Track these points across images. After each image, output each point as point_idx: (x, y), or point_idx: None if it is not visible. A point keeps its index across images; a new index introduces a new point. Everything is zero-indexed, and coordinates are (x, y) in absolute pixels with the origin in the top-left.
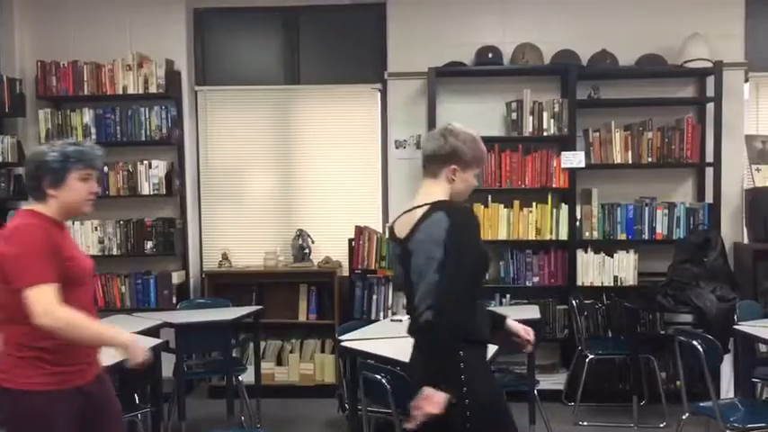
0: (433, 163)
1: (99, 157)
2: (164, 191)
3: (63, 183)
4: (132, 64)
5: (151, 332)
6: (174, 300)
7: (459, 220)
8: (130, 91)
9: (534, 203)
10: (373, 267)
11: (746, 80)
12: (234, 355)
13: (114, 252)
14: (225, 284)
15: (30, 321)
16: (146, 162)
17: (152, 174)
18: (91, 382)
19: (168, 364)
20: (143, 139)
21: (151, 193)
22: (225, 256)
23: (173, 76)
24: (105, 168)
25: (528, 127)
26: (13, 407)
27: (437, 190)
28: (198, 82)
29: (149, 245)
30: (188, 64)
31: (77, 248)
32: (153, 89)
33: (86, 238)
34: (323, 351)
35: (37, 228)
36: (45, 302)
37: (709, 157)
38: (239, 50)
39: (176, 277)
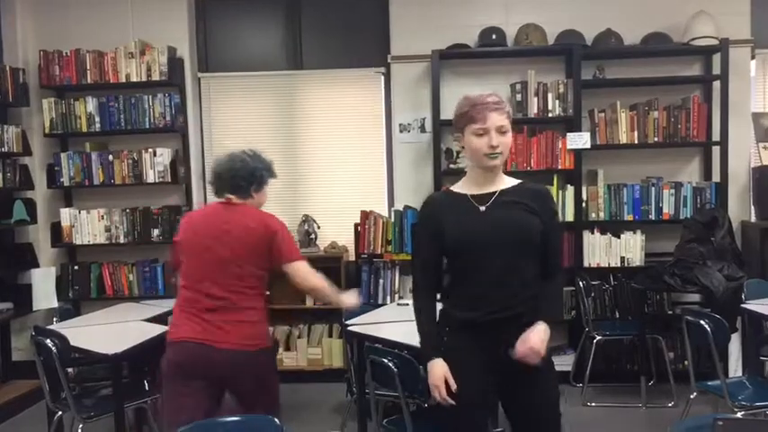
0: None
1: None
2: (169, 178)
3: (262, 189)
4: (135, 52)
5: (159, 319)
6: None
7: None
8: (133, 79)
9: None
10: (379, 252)
11: (753, 57)
12: None
13: (121, 240)
14: None
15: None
16: (150, 150)
17: (157, 161)
18: None
19: None
20: (147, 126)
21: (156, 180)
22: None
23: (175, 63)
24: (110, 157)
25: (533, 108)
26: (269, 364)
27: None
28: (201, 69)
29: (156, 232)
30: (190, 51)
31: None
32: (156, 77)
33: (93, 227)
34: (330, 336)
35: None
36: (309, 272)
37: (716, 136)
38: (242, 37)
39: None
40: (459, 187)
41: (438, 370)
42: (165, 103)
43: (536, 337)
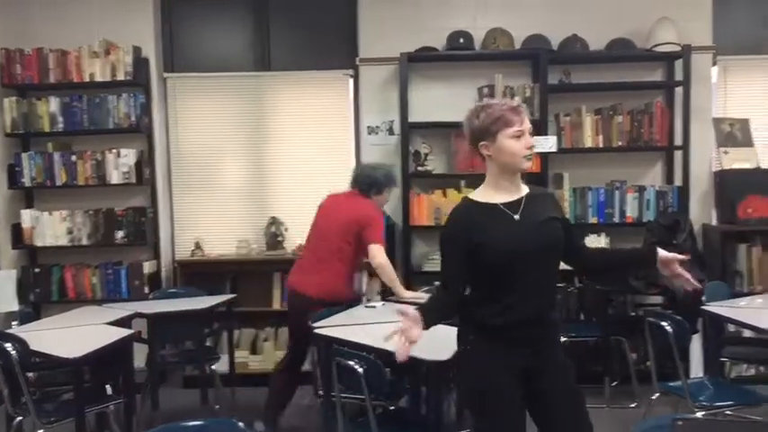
0: (473, 148)
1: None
2: (134, 179)
3: (381, 193)
4: (99, 51)
5: (123, 323)
6: (147, 290)
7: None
8: (97, 78)
9: None
10: None
11: (714, 63)
12: (207, 344)
13: (84, 242)
14: (198, 274)
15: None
16: (114, 150)
17: (121, 162)
18: None
19: (141, 355)
20: (111, 127)
21: (121, 182)
22: (197, 245)
23: (141, 63)
24: (73, 157)
25: None
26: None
27: (487, 175)
28: (167, 69)
29: (120, 234)
30: (156, 51)
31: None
32: (121, 76)
33: (55, 229)
34: None
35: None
36: (379, 254)
37: (678, 141)
38: (209, 37)
39: (148, 267)
40: (482, 196)
41: (414, 313)
42: (130, 103)
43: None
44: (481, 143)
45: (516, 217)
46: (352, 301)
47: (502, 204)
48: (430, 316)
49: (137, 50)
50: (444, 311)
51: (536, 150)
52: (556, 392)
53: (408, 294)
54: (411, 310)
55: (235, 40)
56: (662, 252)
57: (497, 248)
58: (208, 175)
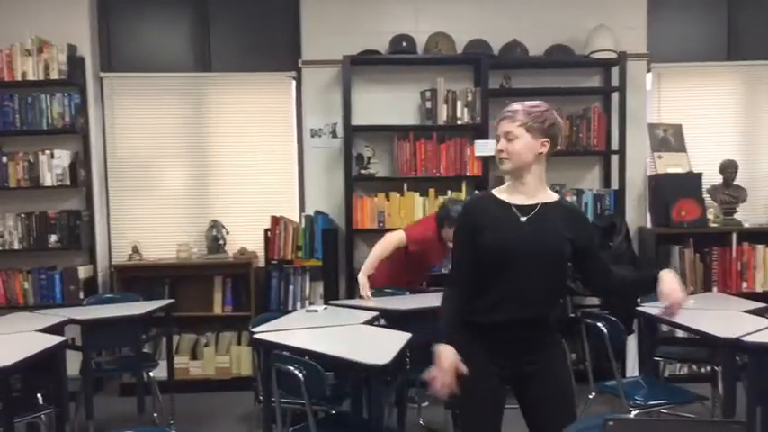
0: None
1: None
2: (68, 182)
3: (443, 228)
4: (32, 49)
5: (55, 329)
6: (82, 295)
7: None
8: (30, 77)
9: (449, 191)
10: (290, 257)
11: (649, 70)
12: (146, 350)
13: (15, 246)
14: (136, 278)
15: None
16: (48, 152)
17: (55, 164)
18: None
19: (75, 362)
20: (44, 127)
21: (54, 184)
22: (135, 249)
23: (76, 61)
24: (4, 159)
25: (442, 116)
26: None
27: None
28: (103, 68)
29: (53, 238)
30: (92, 49)
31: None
32: (54, 75)
33: None
34: (239, 343)
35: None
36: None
37: (615, 145)
38: (147, 36)
39: (83, 272)
40: (502, 193)
41: (450, 354)
42: (65, 102)
43: (674, 288)
44: None
45: (522, 219)
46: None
47: (515, 205)
48: (454, 330)
49: (71, 49)
50: (460, 314)
51: (477, 154)
52: (543, 400)
53: (362, 281)
54: (447, 355)
55: (174, 39)
56: (665, 285)
57: (491, 243)
58: (146, 177)
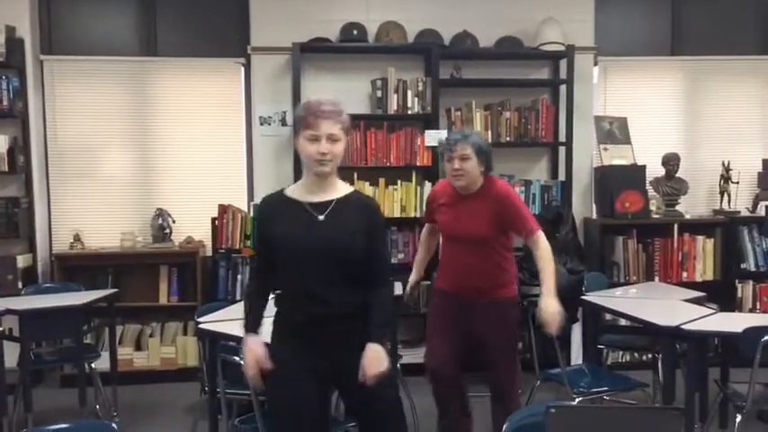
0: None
1: (460, 141)
2: (5, 168)
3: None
4: None
5: None
6: (20, 285)
7: None
8: None
9: (399, 181)
10: (238, 246)
11: (596, 64)
12: (88, 341)
13: None
14: (77, 267)
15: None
16: None
17: None
18: None
19: (14, 354)
20: None
21: None
22: (77, 238)
23: (14, 43)
24: None
25: (393, 105)
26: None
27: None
28: (44, 51)
29: None
30: (32, 31)
31: (460, 216)
32: None
33: None
34: (185, 334)
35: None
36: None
37: (562, 137)
38: (90, 17)
39: (22, 261)
40: (295, 192)
41: (255, 348)
42: (3, 86)
43: (372, 365)
44: (294, 138)
45: (321, 218)
46: None
47: (308, 203)
48: (254, 320)
49: (10, 30)
50: (264, 305)
51: (427, 144)
52: (351, 395)
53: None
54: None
55: (119, 21)
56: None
57: (281, 242)
58: (89, 163)
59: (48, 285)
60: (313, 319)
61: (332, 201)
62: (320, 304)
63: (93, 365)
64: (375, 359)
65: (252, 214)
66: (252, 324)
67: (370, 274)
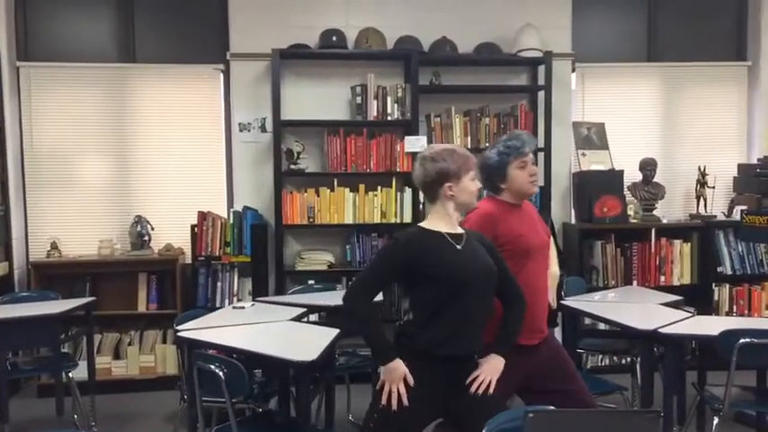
0: (428, 190)
1: (527, 143)
2: None
3: (506, 176)
4: None
5: None
6: None
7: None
8: None
9: (379, 187)
10: (218, 254)
11: (573, 70)
12: (66, 350)
13: None
14: (55, 275)
15: None
16: None
17: None
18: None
19: None
20: None
21: None
22: (54, 246)
23: None
24: None
25: (372, 111)
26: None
27: (435, 214)
28: (20, 57)
29: None
30: (8, 37)
31: (531, 226)
32: None
33: None
34: (165, 342)
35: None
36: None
37: (541, 143)
38: (67, 23)
39: None
40: (431, 225)
41: (401, 368)
42: None
43: (489, 372)
44: (448, 184)
45: (458, 247)
46: None
47: (448, 234)
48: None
49: None
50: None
51: (407, 150)
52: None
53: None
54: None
55: (96, 27)
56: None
57: (444, 273)
58: (66, 170)
59: (24, 294)
60: (462, 354)
61: (462, 233)
62: (475, 336)
63: (70, 375)
64: (494, 368)
65: (231, 221)
66: (394, 350)
67: (508, 290)
